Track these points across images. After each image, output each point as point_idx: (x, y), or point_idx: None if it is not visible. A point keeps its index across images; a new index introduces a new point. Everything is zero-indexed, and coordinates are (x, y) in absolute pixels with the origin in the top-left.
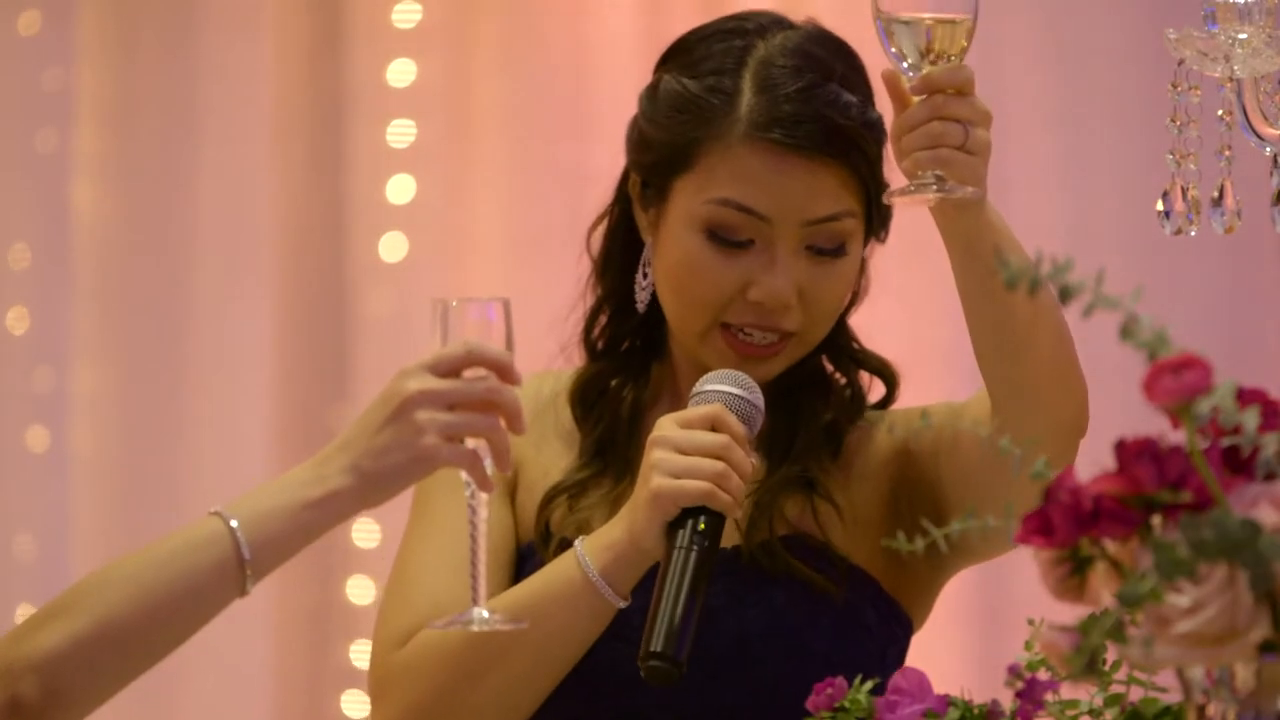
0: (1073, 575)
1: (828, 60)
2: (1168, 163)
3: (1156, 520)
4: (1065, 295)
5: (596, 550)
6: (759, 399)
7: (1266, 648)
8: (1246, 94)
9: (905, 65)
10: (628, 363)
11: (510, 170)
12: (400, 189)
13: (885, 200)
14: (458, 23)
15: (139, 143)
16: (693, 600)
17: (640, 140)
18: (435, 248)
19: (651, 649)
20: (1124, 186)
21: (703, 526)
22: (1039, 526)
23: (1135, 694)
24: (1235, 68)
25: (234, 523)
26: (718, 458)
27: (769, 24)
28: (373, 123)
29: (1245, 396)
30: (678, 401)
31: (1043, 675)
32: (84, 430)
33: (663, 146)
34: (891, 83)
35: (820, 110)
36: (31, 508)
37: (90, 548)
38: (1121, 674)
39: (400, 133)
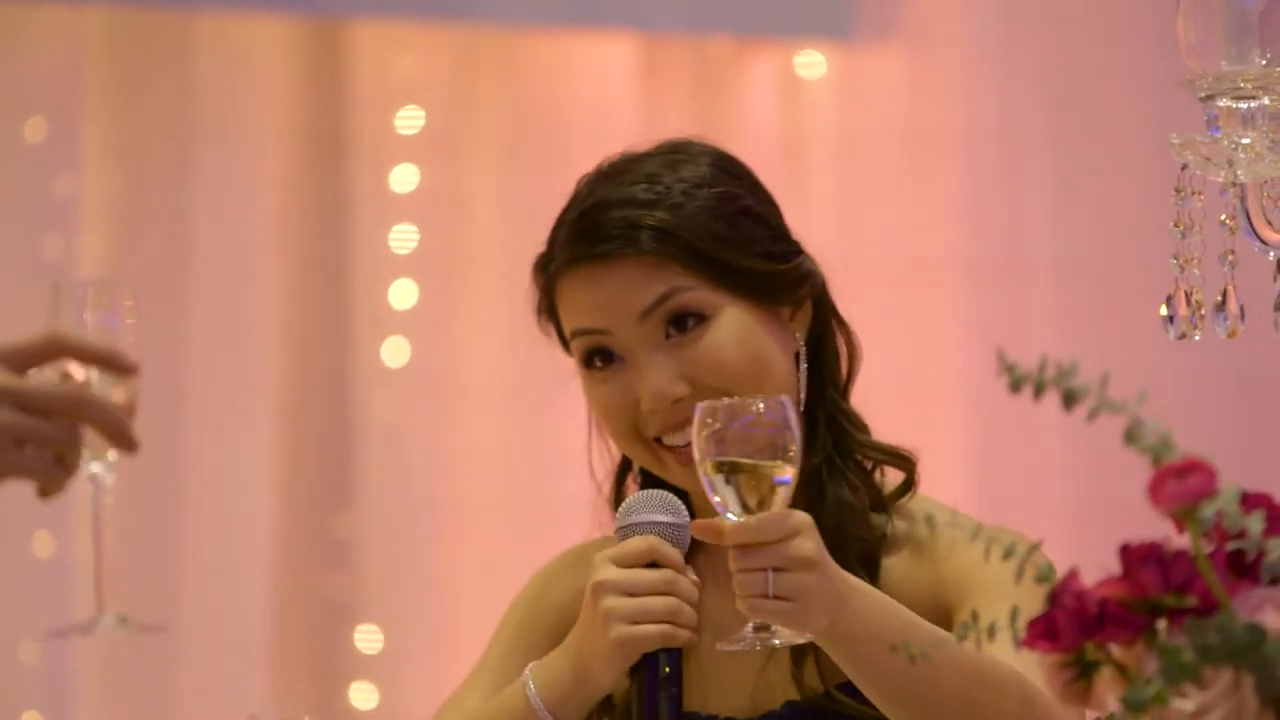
0: (1078, 679)
1: (632, 164)
2: (1171, 267)
3: (1161, 625)
4: (1070, 399)
5: (546, 685)
6: (685, 516)
7: None
8: (1250, 199)
9: (728, 513)
10: None
11: (511, 276)
12: (402, 293)
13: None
14: (459, 129)
15: (143, 249)
16: None
17: None
18: (437, 353)
19: None
20: (1130, 288)
21: (667, 670)
22: (1044, 631)
23: None
24: (1238, 172)
25: None
26: (665, 594)
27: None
28: (375, 228)
29: (1250, 501)
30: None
31: None
32: (88, 536)
33: (543, 309)
34: (705, 531)
35: (605, 212)
36: (37, 613)
37: (93, 655)
38: None
39: (402, 238)
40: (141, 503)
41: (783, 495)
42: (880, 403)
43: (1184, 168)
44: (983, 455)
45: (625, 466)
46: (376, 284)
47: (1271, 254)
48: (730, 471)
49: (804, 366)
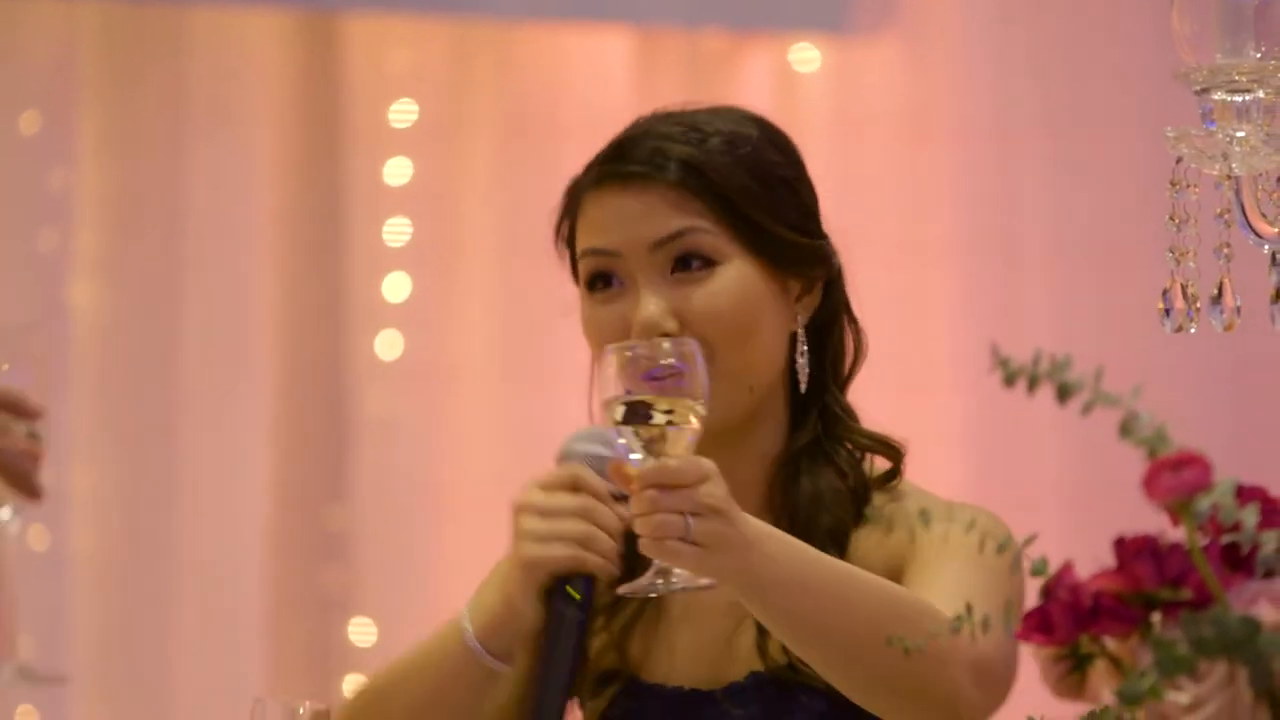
0: (1073, 672)
1: (682, 112)
2: (1167, 260)
3: (1156, 617)
4: (1064, 393)
5: (478, 614)
6: (624, 453)
7: None
8: (1245, 192)
9: (633, 457)
10: None
11: (505, 269)
12: (396, 286)
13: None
14: (454, 122)
15: (138, 242)
16: (570, 677)
17: None
18: (431, 346)
19: None
20: (1126, 281)
21: (577, 596)
22: (1039, 624)
23: None
24: (1233, 166)
25: None
26: (581, 519)
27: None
28: (368, 221)
29: (1245, 494)
30: None
31: None
32: (83, 529)
33: (563, 233)
34: (617, 474)
35: (641, 141)
36: (32, 607)
37: (87, 649)
38: None
39: (396, 231)
40: (136, 496)
41: (688, 439)
42: (876, 391)
43: (1179, 161)
44: (980, 439)
45: None
46: (370, 277)
47: (1266, 247)
48: (634, 413)
49: (804, 349)
